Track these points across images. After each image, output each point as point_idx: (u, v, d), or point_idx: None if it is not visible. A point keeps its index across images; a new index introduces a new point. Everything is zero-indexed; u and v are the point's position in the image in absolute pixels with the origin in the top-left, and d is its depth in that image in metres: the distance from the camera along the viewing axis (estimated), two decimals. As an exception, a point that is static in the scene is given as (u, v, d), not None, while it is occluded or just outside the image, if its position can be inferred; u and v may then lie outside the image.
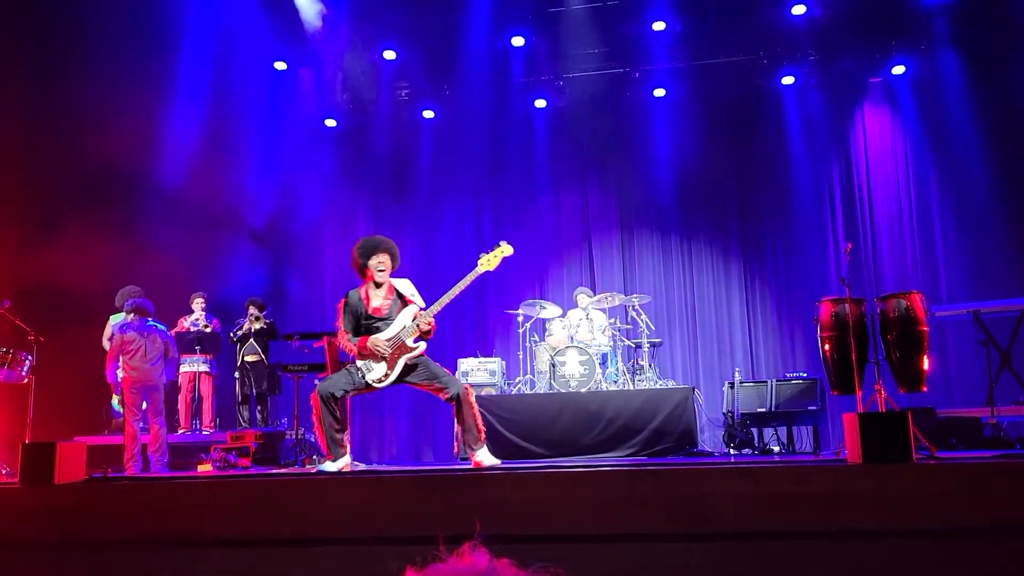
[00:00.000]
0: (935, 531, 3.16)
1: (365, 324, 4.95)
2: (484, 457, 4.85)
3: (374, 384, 4.88)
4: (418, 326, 4.86)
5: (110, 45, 8.28)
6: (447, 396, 4.90)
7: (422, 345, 4.93)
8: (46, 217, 8.27)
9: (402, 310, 4.96)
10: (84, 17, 8.26)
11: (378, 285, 5.01)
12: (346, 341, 4.93)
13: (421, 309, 4.96)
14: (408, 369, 4.90)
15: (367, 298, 5.00)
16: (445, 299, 4.97)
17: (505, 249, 5.20)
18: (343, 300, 5.03)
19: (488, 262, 5.10)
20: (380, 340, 4.84)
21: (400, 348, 4.87)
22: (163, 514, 3.76)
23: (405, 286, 5.08)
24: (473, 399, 4.95)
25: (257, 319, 8.67)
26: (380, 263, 4.98)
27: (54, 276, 7.66)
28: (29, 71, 8.16)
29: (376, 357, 4.85)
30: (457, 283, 4.99)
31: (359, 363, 4.88)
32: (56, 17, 8.28)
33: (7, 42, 7.98)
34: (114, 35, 8.31)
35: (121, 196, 8.64)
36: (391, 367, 4.87)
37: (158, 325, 7.06)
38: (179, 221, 8.84)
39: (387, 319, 4.93)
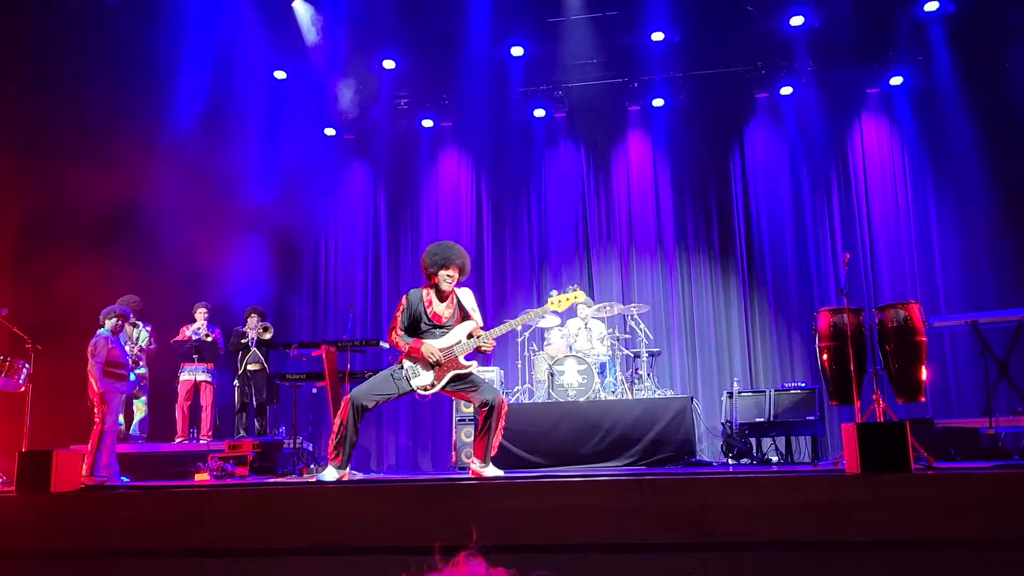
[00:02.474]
0: (933, 541, 3.16)
1: (423, 327, 4.88)
2: (489, 471, 4.78)
3: (417, 390, 4.80)
4: (477, 346, 4.81)
5: (109, 56, 8.31)
6: (481, 400, 4.80)
7: (473, 363, 4.87)
8: (45, 224, 8.27)
9: (460, 321, 4.92)
10: (85, 26, 8.29)
11: (442, 295, 4.95)
12: (399, 338, 4.85)
13: (481, 328, 4.91)
14: (453, 380, 4.84)
15: (429, 302, 4.92)
16: (507, 326, 4.99)
17: (578, 295, 5.20)
18: (404, 297, 4.96)
19: (559, 303, 5.02)
20: (436, 349, 4.76)
21: (451, 362, 4.79)
22: (160, 523, 3.74)
23: (467, 298, 5.01)
24: (505, 412, 4.86)
25: (266, 329, 8.67)
26: (449, 275, 4.89)
27: (52, 283, 7.66)
28: (30, 81, 8.18)
29: (426, 363, 4.79)
30: (524, 313, 5.07)
31: (406, 364, 4.81)
32: (58, 22, 8.31)
33: (11, 50, 8.01)
34: (113, 45, 8.35)
35: (121, 204, 8.64)
36: (438, 378, 4.79)
37: (101, 331, 6.88)
38: (179, 229, 8.84)
39: (444, 327, 4.87)
